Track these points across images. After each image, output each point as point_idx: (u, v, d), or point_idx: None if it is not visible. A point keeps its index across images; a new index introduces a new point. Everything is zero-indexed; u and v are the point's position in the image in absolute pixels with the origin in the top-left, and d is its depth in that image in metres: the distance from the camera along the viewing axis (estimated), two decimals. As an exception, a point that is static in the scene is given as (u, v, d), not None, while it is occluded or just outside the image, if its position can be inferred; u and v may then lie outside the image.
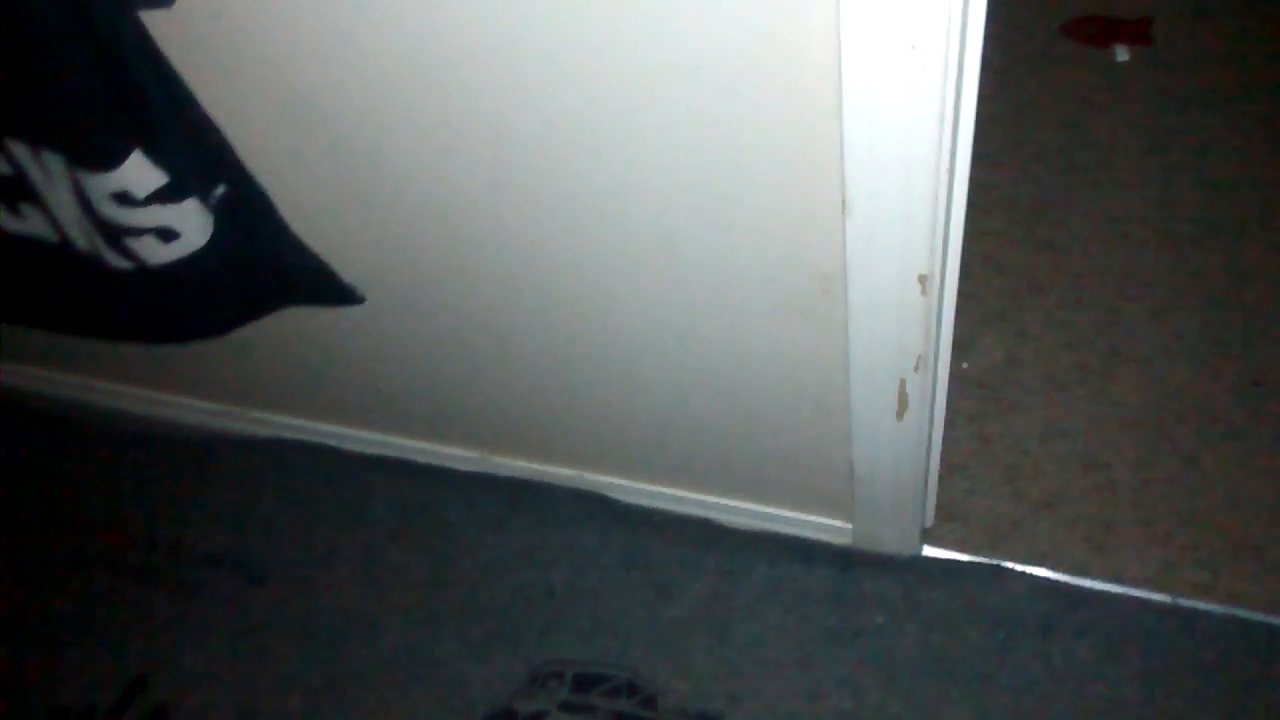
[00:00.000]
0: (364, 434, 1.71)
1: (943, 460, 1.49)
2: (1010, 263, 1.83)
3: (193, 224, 1.16)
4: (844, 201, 0.93)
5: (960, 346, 1.73)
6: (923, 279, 1.00)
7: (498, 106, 0.97)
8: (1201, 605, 1.45)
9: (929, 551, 1.54)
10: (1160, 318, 1.73)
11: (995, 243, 1.86)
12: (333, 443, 1.75)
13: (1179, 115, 2.00)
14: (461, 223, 1.15)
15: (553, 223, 1.10)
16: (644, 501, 1.62)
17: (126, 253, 1.19)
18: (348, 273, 1.29)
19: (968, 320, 1.76)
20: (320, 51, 0.97)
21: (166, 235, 1.16)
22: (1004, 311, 1.77)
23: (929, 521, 1.54)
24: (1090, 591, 1.48)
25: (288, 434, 1.77)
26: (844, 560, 1.54)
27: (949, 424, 1.63)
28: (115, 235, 1.17)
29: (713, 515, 1.60)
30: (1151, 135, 1.98)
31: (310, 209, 1.20)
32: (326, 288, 1.31)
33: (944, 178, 0.90)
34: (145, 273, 1.22)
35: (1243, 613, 1.43)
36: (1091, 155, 1.97)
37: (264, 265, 1.27)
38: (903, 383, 1.16)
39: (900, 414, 1.21)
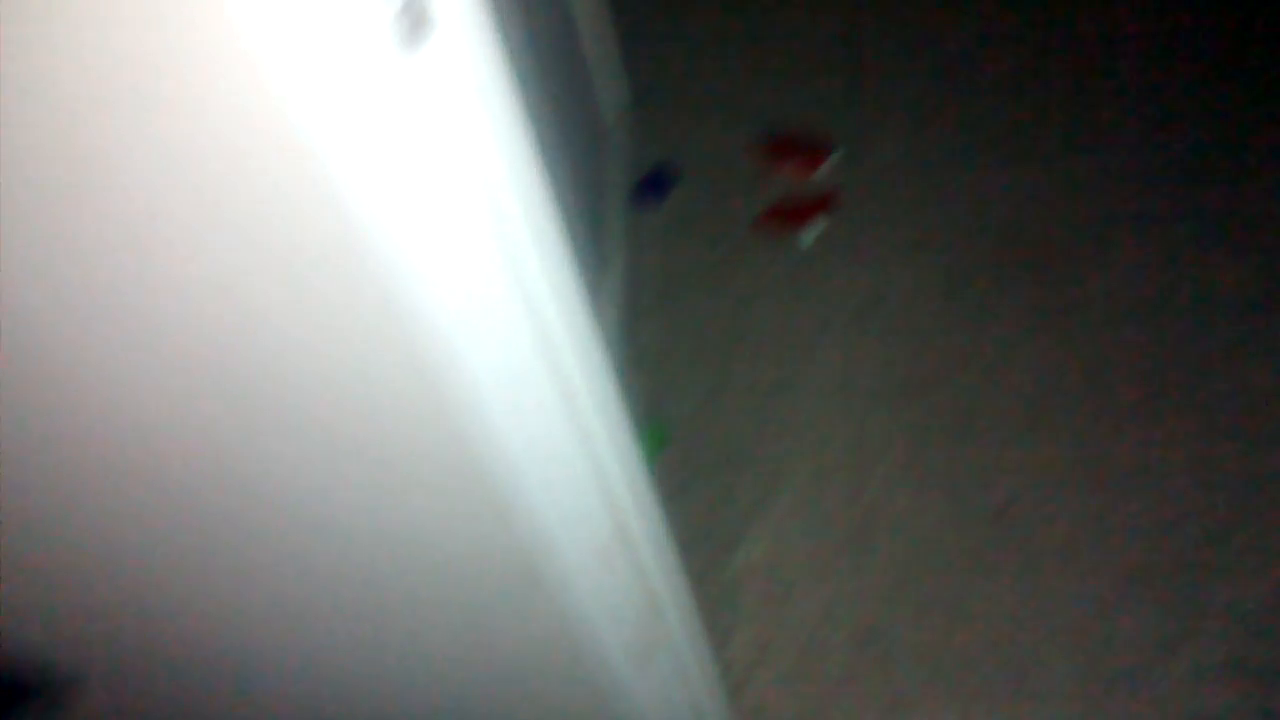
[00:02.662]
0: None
1: (733, 660, 1.48)
2: (754, 453, 1.91)
3: None
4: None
5: (725, 548, 1.77)
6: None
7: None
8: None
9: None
10: (901, 472, 1.83)
11: (735, 433, 1.94)
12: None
13: (872, 273, 2.16)
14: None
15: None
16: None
17: None
18: None
19: (728, 520, 1.81)
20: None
21: None
22: (757, 504, 1.84)
23: (732, 739, 1.55)
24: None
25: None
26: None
27: (732, 629, 1.66)
28: None
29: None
30: (852, 299, 2.12)
31: None
32: None
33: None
34: None
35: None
36: (805, 336, 2.09)
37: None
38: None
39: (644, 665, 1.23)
